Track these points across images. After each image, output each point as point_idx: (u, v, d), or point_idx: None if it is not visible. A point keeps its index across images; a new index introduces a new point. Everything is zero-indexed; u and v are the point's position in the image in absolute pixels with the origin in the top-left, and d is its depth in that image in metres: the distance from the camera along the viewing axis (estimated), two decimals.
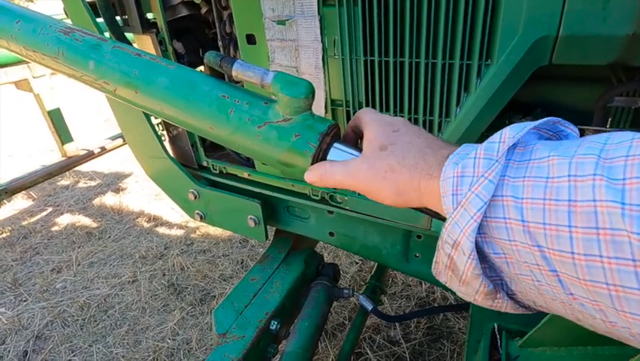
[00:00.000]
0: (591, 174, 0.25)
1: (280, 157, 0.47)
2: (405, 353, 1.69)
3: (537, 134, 0.35)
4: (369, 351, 1.71)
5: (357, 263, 2.21)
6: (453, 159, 0.35)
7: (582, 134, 0.77)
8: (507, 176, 0.30)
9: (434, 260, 0.36)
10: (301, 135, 0.46)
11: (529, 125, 0.33)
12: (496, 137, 0.33)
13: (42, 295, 2.20)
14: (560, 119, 0.34)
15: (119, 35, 0.90)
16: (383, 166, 0.39)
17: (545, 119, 0.34)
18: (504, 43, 0.62)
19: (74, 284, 2.25)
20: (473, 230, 0.30)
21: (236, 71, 0.48)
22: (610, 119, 0.75)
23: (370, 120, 0.44)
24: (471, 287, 0.33)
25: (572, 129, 0.35)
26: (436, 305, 1.90)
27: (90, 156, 2.37)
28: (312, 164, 0.46)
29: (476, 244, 0.32)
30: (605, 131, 0.76)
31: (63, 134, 2.27)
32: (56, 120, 2.25)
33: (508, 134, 0.32)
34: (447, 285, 0.37)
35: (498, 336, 0.64)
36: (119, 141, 2.51)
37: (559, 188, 0.27)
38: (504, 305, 0.34)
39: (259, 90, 0.53)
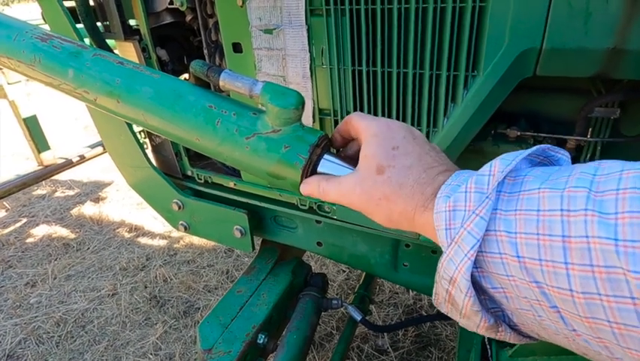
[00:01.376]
0: (583, 209, 0.25)
1: (269, 169, 0.46)
2: None
3: (528, 160, 0.34)
4: None
5: (344, 272, 2.19)
6: (445, 191, 0.34)
7: (565, 143, 0.79)
8: (499, 209, 0.30)
9: (434, 291, 0.36)
10: (291, 147, 0.45)
11: (518, 155, 0.33)
12: (485, 169, 0.32)
13: (15, 310, 2.09)
14: (549, 145, 0.35)
15: (100, 42, 0.88)
16: (378, 193, 0.38)
17: (535, 147, 0.34)
18: (490, 55, 0.62)
19: (50, 299, 2.16)
20: (468, 268, 0.30)
21: (224, 81, 0.47)
22: (590, 129, 0.77)
23: (368, 129, 0.41)
24: (472, 321, 0.33)
25: (562, 154, 0.35)
26: (424, 313, 1.90)
27: (68, 164, 2.29)
28: (302, 176, 0.45)
29: (474, 278, 0.31)
30: (587, 141, 0.77)
31: (39, 142, 2.19)
32: (32, 128, 2.17)
33: (498, 167, 0.31)
34: (449, 315, 0.36)
35: (488, 346, 0.64)
36: (99, 149, 2.44)
37: (551, 222, 0.27)
38: (507, 337, 0.34)
39: (247, 100, 0.51)
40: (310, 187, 0.44)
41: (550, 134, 0.78)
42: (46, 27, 1.01)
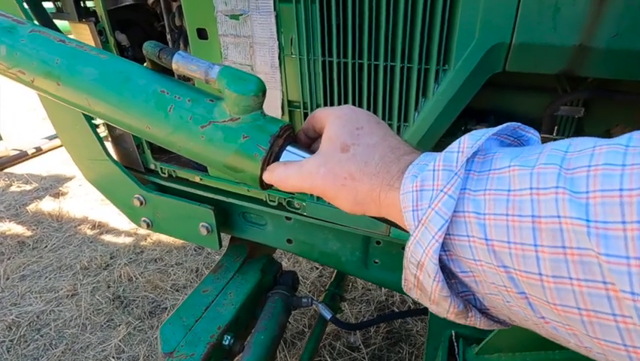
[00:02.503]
0: (553, 186, 0.24)
1: (227, 161, 0.43)
2: (364, 358, 1.68)
3: (498, 141, 0.33)
4: (329, 359, 1.68)
5: (317, 269, 2.17)
6: (412, 170, 0.33)
7: None
8: (468, 189, 0.28)
9: (403, 277, 0.34)
10: (250, 137, 0.41)
11: (488, 132, 0.31)
12: (454, 146, 0.31)
13: None
14: (519, 124, 0.33)
15: (45, 22, 0.80)
16: (342, 172, 0.36)
17: (505, 125, 0.33)
18: (461, 49, 0.62)
19: (1, 301, 2.01)
20: (435, 251, 0.28)
21: (177, 64, 0.43)
22: (556, 127, 0.78)
23: (331, 115, 0.40)
24: (441, 307, 0.31)
25: (533, 134, 0.33)
26: (396, 309, 1.92)
27: (23, 157, 2.14)
28: (262, 168, 0.42)
29: (443, 261, 0.30)
30: (553, 140, 0.78)
31: None
32: None
33: (467, 143, 0.30)
34: (419, 301, 0.34)
35: (455, 343, 0.64)
36: (58, 141, 2.29)
37: (521, 202, 0.25)
38: (477, 322, 0.32)
39: (208, 87, 0.47)
40: (269, 174, 0.41)
41: None
42: None
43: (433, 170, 0.30)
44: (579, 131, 0.78)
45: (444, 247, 0.29)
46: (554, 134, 0.78)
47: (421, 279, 0.31)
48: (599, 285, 0.22)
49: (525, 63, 0.60)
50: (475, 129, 0.82)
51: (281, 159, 0.43)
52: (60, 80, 0.46)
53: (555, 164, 0.24)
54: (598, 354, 0.24)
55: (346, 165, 0.36)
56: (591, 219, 0.21)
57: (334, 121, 0.39)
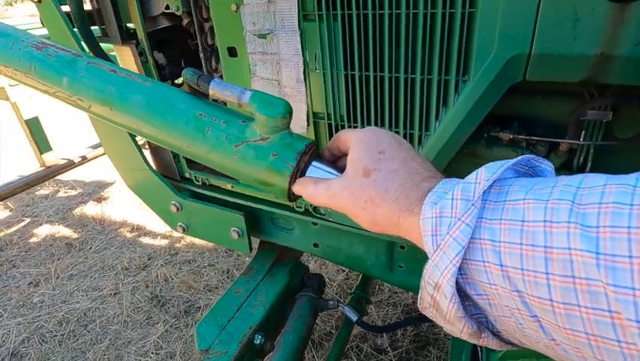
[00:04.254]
0: (565, 221, 0.26)
1: (258, 176, 0.47)
2: None
3: (513, 170, 0.35)
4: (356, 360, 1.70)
5: (343, 271, 2.20)
6: (432, 197, 0.35)
7: (558, 147, 0.79)
8: (484, 218, 0.31)
9: (419, 296, 0.36)
10: (279, 155, 0.46)
11: (504, 164, 0.33)
12: (472, 177, 0.33)
13: (18, 310, 2.12)
14: (533, 155, 0.35)
15: (94, 48, 0.89)
16: (363, 196, 0.39)
17: (520, 157, 0.35)
18: (480, 60, 0.63)
19: (53, 298, 2.18)
20: (453, 274, 0.31)
21: (213, 90, 0.48)
22: (584, 132, 0.77)
23: (354, 137, 0.42)
24: (455, 327, 0.34)
25: (546, 165, 0.35)
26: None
27: (70, 165, 2.31)
28: (290, 183, 0.46)
29: (458, 284, 0.32)
30: (579, 144, 0.76)
31: (41, 143, 2.21)
32: (34, 129, 2.19)
33: (484, 175, 0.32)
34: (433, 320, 0.37)
35: (479, 348, 0.64)
36: (101, 150, 2.46)
37: (535, 233, 0.27)
38: (490, 343, 0.35)
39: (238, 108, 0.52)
40: (300, 188, 0.45)
41: (543, 137, 0.78)
42: (45, 31, 1.02)
43: (452, 199, 0.32)
44: (608, 136, 0.77)
45: (460, 270, 0.32)
46: (581, 139, 0.77)
47: (437, 300, 0.33)
48: (605, 313, 0.24)
49: (545, 73, 0.60)
50: (498, 136, 0.82)
51: (307, 174, 0.47)
52: (113, 106, 0.53)
53: (568, 200, 0.27)
54: None
55: (367, 190, 0.39)
56: (601, 252, 0.23)
57: (357, 145, 0.41)
